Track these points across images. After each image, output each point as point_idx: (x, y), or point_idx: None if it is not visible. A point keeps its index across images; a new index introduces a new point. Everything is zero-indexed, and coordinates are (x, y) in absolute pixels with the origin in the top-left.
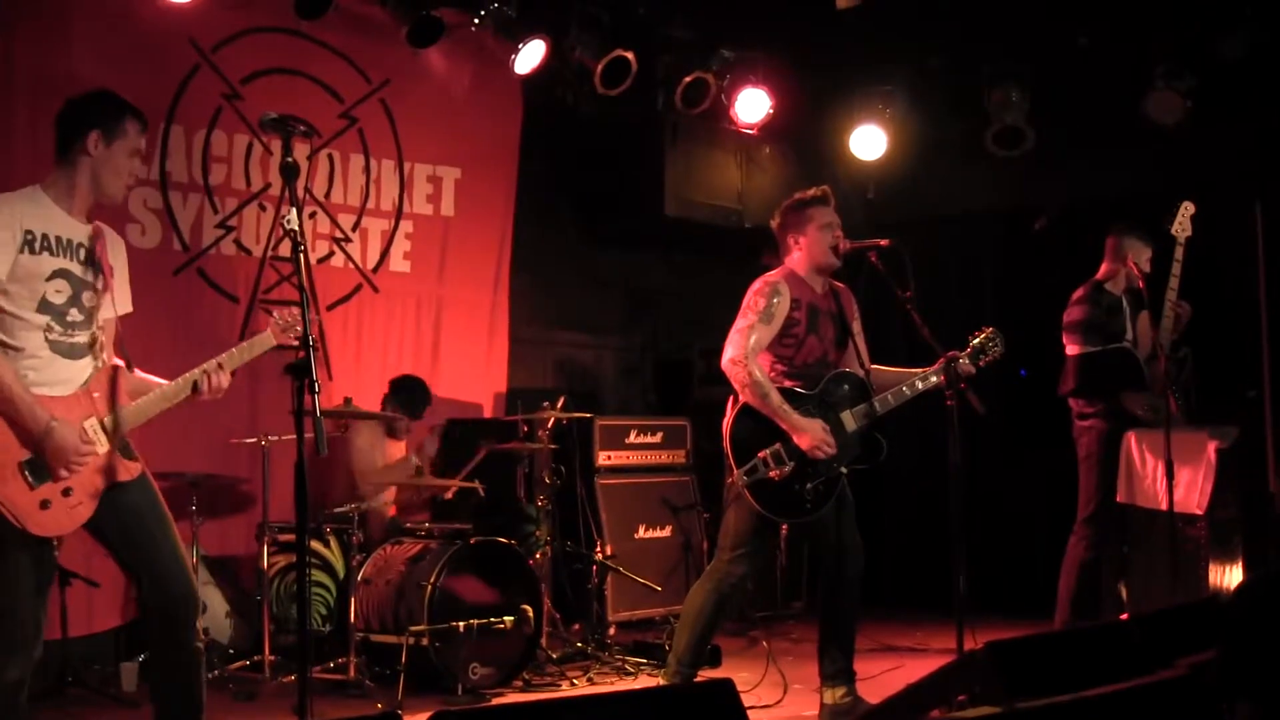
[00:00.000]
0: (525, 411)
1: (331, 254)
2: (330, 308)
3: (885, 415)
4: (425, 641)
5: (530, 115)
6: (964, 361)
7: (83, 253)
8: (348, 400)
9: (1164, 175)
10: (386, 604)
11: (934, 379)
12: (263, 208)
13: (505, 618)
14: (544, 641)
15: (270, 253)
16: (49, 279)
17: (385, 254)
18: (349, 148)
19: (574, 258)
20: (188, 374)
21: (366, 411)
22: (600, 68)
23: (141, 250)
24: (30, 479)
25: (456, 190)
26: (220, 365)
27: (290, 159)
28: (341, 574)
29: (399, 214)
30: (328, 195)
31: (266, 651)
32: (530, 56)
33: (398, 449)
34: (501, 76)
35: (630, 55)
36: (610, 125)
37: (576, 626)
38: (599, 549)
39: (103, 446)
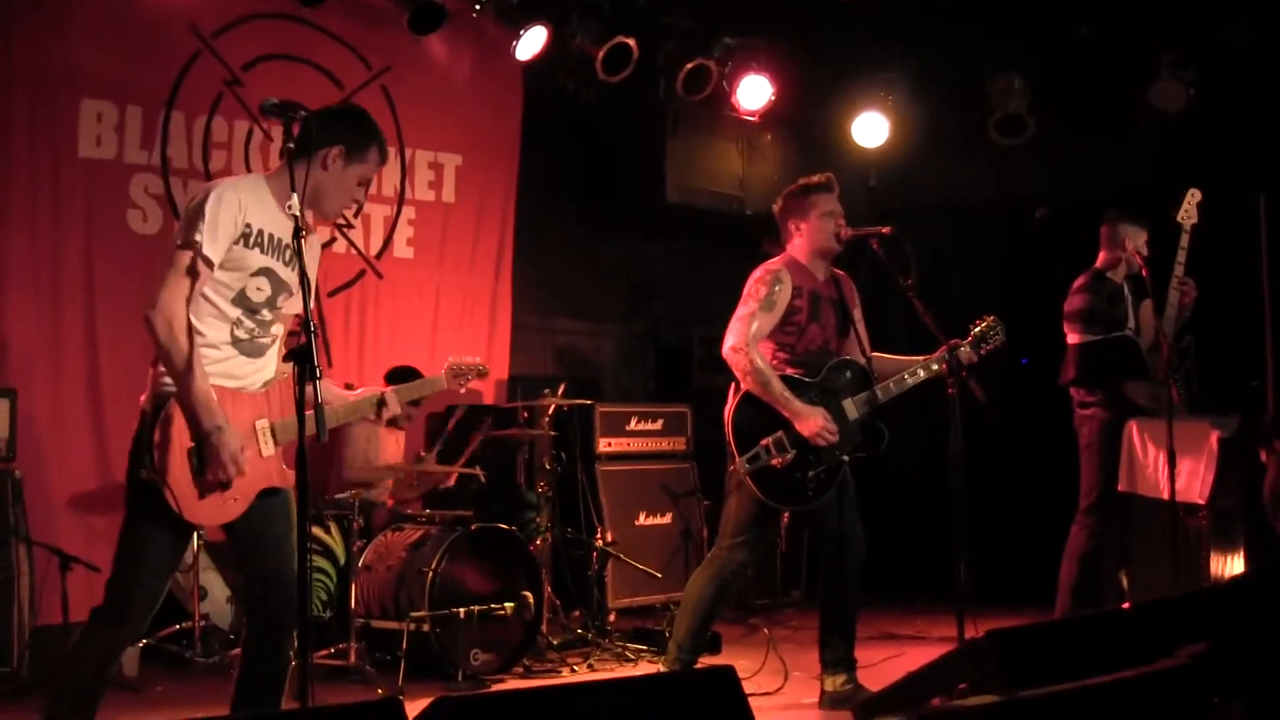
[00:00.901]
0: (526, 398)
1: (334, 240)
2: (332, 294)
3: (887, 403)
4: (426, 627)
5: (531, 102)
6: (965, 350)
7: (289, 254)
8: (348, 387)
9: (1167, 165)
10: (387, 590)
11: (935, 367)
12: None
13: (506, 604)
14: (544, 628)
15: None
16: (254, 275)
17: (389, 240)
18: None
19: (575, 245)
20: (370, 392)
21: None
22: (601, 54)
23: (143, 236)
24: (196, 467)
25: (458, 177)
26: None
27: (291, 144)
28: (342, 560)
29: (401, 200)
30: None
31: None
32: (531, 43)
33: (395, 440)
34: (502, 63)
35: (631, 42)
36: (611, 112)
37: (577, 613)
38: (599, 535)
39: (268, 450)
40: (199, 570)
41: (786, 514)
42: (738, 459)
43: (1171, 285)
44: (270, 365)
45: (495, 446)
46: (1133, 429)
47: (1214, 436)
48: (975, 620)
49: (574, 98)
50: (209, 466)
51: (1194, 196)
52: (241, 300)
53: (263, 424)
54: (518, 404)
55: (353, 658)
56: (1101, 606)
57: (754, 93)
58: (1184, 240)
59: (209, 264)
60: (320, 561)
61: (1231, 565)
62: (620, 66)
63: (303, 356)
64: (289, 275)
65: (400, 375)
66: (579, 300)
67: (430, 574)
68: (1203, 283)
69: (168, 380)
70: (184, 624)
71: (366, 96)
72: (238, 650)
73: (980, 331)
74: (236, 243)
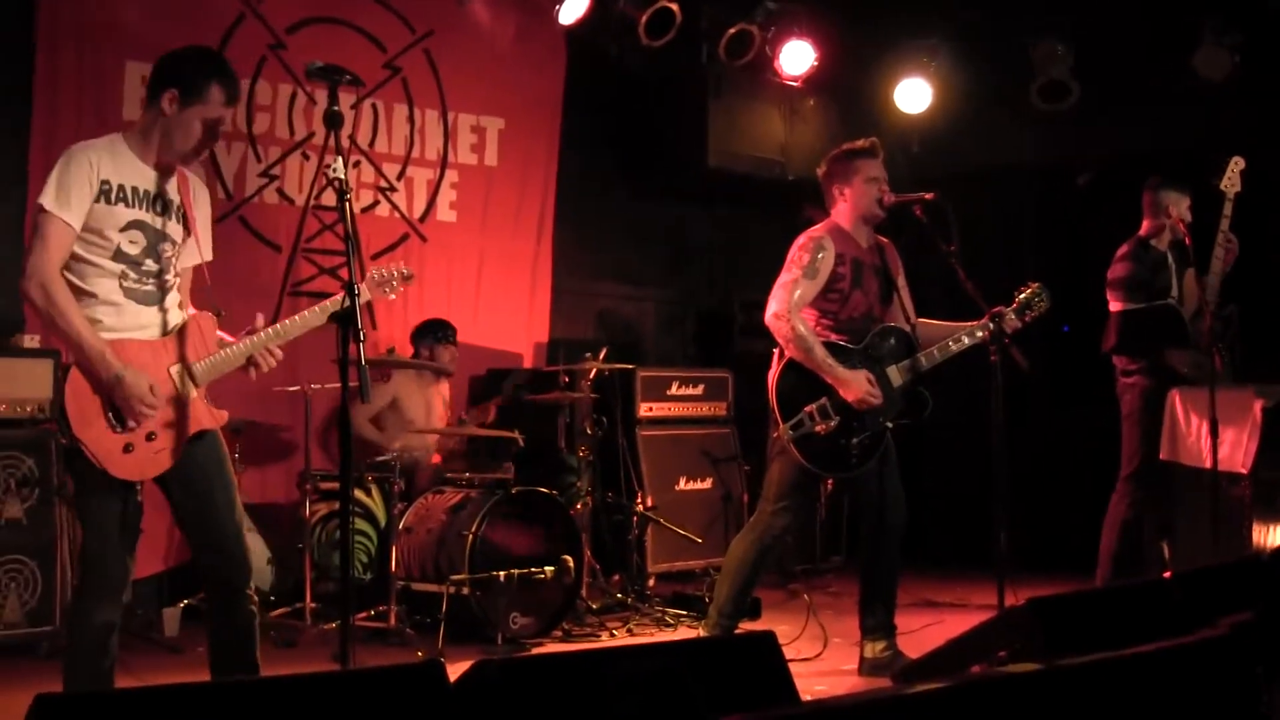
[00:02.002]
0: (567, 362)
1: (376, 203)
2: (375, 256)
3: (930, 370)
4: (466, 590)
5: (573, 66)
6: (1010, 317)
7: (160, 204)
8: (391, 350)
9: (1210, 131)
10: (428, 553)
11: (980, 334)
12: (306, 157)
13: (545, 568)
14: (584, 592)
15: (313, 202)
16: (123, 229)
17: (432, 203)
18: (393, 97)
19: (616, 209)
20: (261, 333)
21: (409, 360)
22: (644, 19)
23: None
24: (114, 422)
25: (500, 141)
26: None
27: (335, 108)
28: (383, 522)
29: (444, 164)
30: (372, 144)
31: (308, 599)
32: (574, 7)
33: (441, 403)
34: (545, 27)
35: (674, 6)
36: (654, 77)
37: (616, 577)
38: (639, 500)
39: (190, 393)
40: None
41: (829, 481)
42: (781, 426)
43: (1215, 254)
44: (174, 312)
45: (536, 410)
46: (1175, 398)
47: (1258, 406)
48: (1015, 588)
49: (616, 62)
50: (125, 414)
51: (1237, 164)
52: (120, 256)
53: (177, 369)
54: (559, 368)
55: (393, 620)
56: (1142, 576)
57: (796, 58)
58: (1227, 209)
59: (67, 225)
60: (361, 524)
61: (1274, 536)
62: (663, 31)
63: (346, 319)
64: (169, 226)
65: (429, 325)
66: (620, 264)
67: (470, 537)
68: (1245, 252)
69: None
70: None
71: (410, 60)
72: (278, 612)
73: (1025, 298)
74: (97, 201)
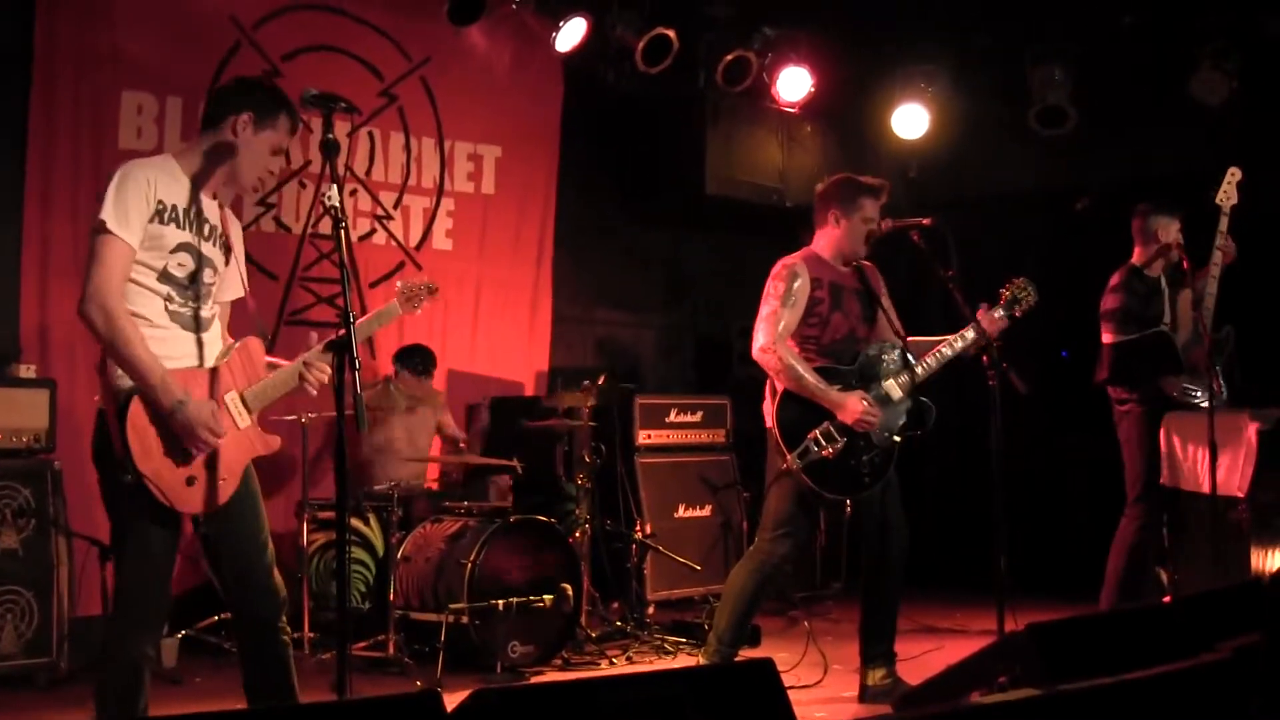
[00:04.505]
0: (566, 389)
1: (373, 231)
2: (373, 285)
3: (927, 380)
4: (465, 619)
5: (571, 93)
6: (999, 313)
7: (207, 229)
8: (388, 379)
9: (1208, 155)
10: (426, 581)
11: (970, 334)
12: (303, 185)
13: (544, 596)
14: (583, 620)
15: (310, 230)
16: (173, 251)
17: (428, 232)
18: (389, 125)
19: (615, 236)
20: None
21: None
22: (641, 46)
23: None
24: (176, 454)
25: (498, 169)
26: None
27: (331, 136)
28: (381, 551)
29: (440, 192)
30: (368, 173)
31: (306, 628)
32: (571, 34)
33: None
34: (542, 54)
35: (671, 33)
36: (651, 104)
37: (616, 605)
38: (638, 528)
39: (244, 421)
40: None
41: (847, 506)
42: (789, 455)
43: (1209, 278)
44: (217, 339)
45: (534, 437)
46: (1168, 425)
47: (1252, 429)
48: (1015, 613)
49: (614, 89)
50: (188, 444)
51: (1234, 176)
52: (166, 278)
53: (231, 396)
54: (557, 395)
55: (391, 649)
56: (1142, 601)
57: (794, 84)
58: (1223, 223)
59: (127, 245)
60: (359, 553)
61: (1273, 559)
62: (660, 58)
63: (342, 347)
64: (212, 252)
65: (411, 350)
66: (619, 292)
67: (469, 565)
68: (1243, 275)
69: (122, 377)
70: (223, 615)
71: (406, 88)
72: None
73: (1011, 294)
74: (151, 220)
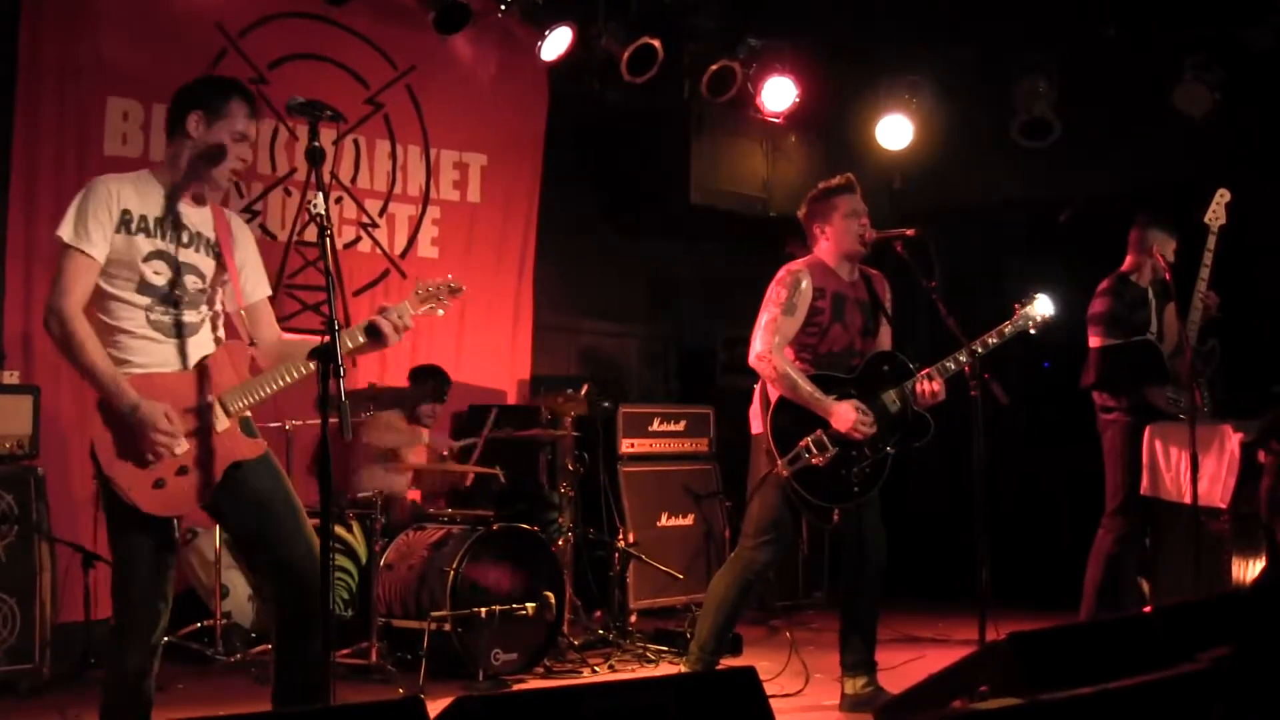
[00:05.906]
0: (548, 398)
1: (358, 239)
2: (357, 293)
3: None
4: (447, 627)
5: (556, 103)
6: (1033, 323)
7: (187, 236)
8: (371, 385)
9: (1191, 167)
10: (409, 589)
11: (979, 350)
12: (288, 193)
13: (527, 604)
14: (566, 628)
15: (295, 238)
16: (145, 260)
17: (413, 240)
18: (375, 133)
19: (598, 245)
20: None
21: (396, 388)
22: (626, 55)
23: None
24: (140, 458)
25: (483, 177)
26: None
27: (317, 143)
28: (364, 559)
29: (425, 200)
30: (354, 181)
31: None
32: (556, 44)
33: (419, 437)
34: (527, 63)
35: (657, 43)
36: (636, 113)
37: (598, 614)
38: (621, 536)
39: (222, 424)
40: (220, 568)
41: (835, 514)
42: (779, 461)
43: (1196, 293)
44: (206, 345)
45: (517, 446)
46: (1151, 435)
47: (1235, 440)
48: (996, 623)
49: (599, 99)
50: (143, 447)
51: (1223, 197)
52: (146, 288)
53: (207, 400)
54: (540, 404)
55: (374, 657)
56: (1122, 611)
57: (778, 94)
58: (1210, 243)
59: (86, 256)
60: (342, 560)
61: (1253, 570)
62: (645, 68)
63: (326, 355)
64: (194, 258)
65: (428, 371)
66: (602, 301)
67: (452, 573)
68: (1227, 287)
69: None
70: (205, 622)
71: (392, 96)
72: (258, 649)
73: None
74: (118, 231)
